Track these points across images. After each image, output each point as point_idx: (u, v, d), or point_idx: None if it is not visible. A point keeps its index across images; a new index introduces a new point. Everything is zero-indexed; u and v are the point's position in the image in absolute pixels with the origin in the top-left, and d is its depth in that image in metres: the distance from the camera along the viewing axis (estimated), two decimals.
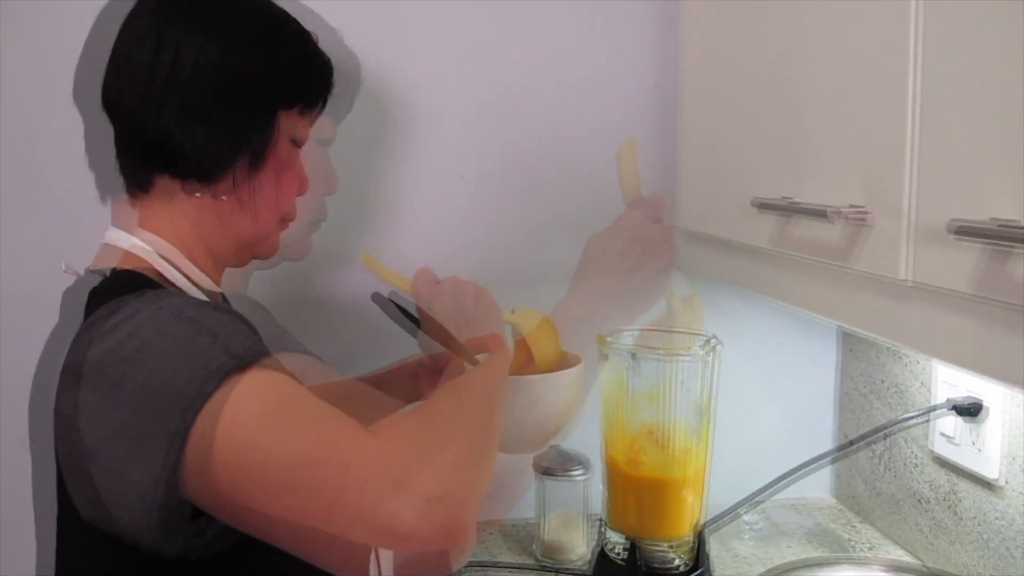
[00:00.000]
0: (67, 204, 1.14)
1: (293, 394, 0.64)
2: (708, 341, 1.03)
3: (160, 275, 0.76)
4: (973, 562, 1.06)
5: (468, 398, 0.75)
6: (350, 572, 0.60)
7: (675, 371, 1.01)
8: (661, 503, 1.04)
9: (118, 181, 0.79)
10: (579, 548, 1.21)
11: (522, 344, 1.02)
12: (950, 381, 1.09)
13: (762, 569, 1.13)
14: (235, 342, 0.64)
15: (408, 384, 1.07)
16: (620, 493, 1.06)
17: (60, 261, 0.83)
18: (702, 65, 1.13)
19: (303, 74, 0.83)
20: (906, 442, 1.19)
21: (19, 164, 1.17)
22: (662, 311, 1.20)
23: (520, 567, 1.18)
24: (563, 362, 1.03)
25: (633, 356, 1.03)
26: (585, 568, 1.17)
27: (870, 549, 1.22)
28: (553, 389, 0.97)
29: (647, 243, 1.16)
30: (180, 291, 0.77)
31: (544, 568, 1.18)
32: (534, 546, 1.23)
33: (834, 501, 1.39)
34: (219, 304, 0.72)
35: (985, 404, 1.04)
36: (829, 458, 1.27)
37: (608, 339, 1.05)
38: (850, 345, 1.33)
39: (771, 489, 1.19)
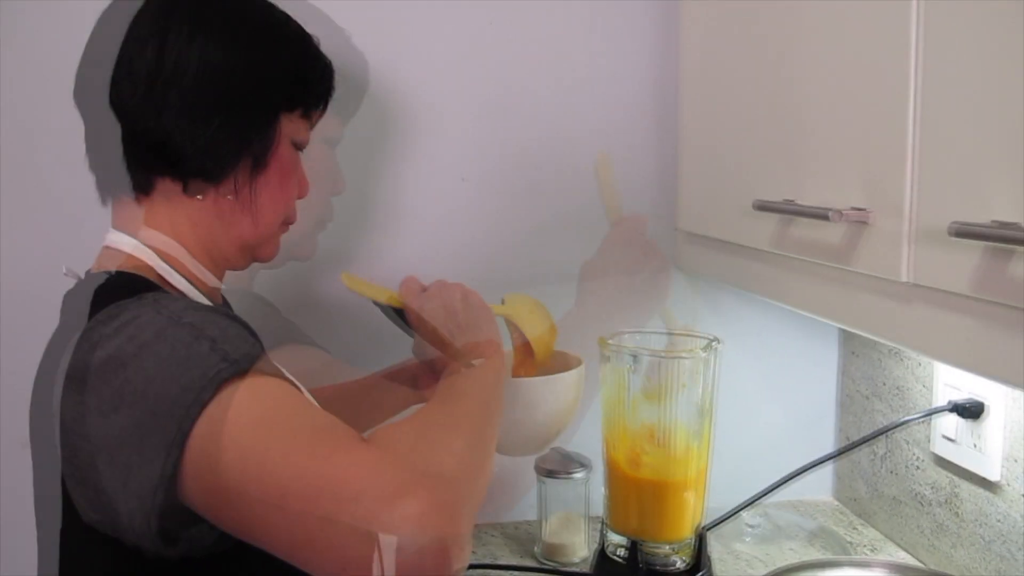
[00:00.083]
0: (67, 205, 1.14)
1: (289, 402, 0.64)
2: (709, 342, 1.03)
3: (161, 278, 0.76)
4: (974, 563, 1.06)
5: (463, 406, 0.75)
6: None
7: (676, 372, 1.01)
8: (662, 504, 1.04)
9: (118, 182, 0.79)
10: (580, 549, 1.21)
11: (517, 332, 1.02)
12: (951, 383, 1.09)
13: (763, 570, 1.13)
14: (233, 348, 0.64)
15: (409, 386, 1.07)
16: (621, 494, 1.06)
17: (60, 262, 0.83)
18: (702, 65, 1.13)
19: (304, 76, 0.83)
20: (907, 443, 1.19)
21: (19, 164, 1.17)
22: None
23: (521, 568, 1.18)
24: (564, 364, 1.03)
25: (634, 357, 1.03)
26: (586, 569, 1.17)
27: (871, 550, 1.21)
28: (554, 391, 0.97)
29: (636, 261, 1.18)
30: (180, 294, 0.76)
31: (545, 569, 1.18)
32: (535, 547, 1.23)
33: (835, 502, 1.39)
34: (219, 307, 0.72)
35: (986, 405, 1.04)
36: (830, 459, 1.27)
37: (609, 341, 1.05)
38: (851, 346, 1.33)
39: (772, 490, 1.19)
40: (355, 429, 0.65)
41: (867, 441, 1.22)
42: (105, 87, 0.75)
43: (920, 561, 1.16)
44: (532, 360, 1.04)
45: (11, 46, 1.14)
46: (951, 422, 1.08)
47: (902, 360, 1.20)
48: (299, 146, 0.85)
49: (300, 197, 0.88)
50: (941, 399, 1.10)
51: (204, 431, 0.61)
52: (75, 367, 0.65)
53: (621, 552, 1.07)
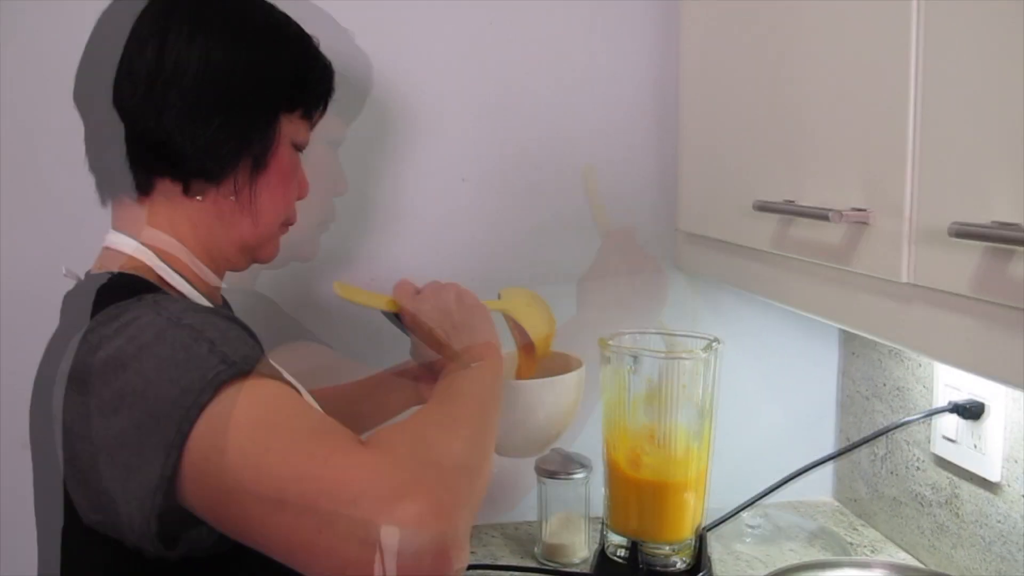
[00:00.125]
0: (67, 205, 1.14)
1: (288, 404, 0.64)
2: (709, 343, 1.02)
3: (160, 279, 0.76)
4: (975, 564, 1.06)
5: (461, 407, 0.75)
6: None
7: (676, 373, 1.01)
8: (662, 505, 1.04)
9: (118, 183, 0.79)
10: (580, 550, 1.20)
11: (516, 327, 1.02)
12: (952, 383, 1.08)
13: (763, 571, 1.13)
14: (232, 350, 0.64)
15: (410, 387, 1.07)
16: (621, 495, 1.06)
17: (60, 262, 0.83)
18: (702, 65, 1.13)
19: (304, 77, 0.83)
20: (907, 444, 1.19)
21: (19, 164, 1.17)
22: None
23: (521, 569, 1.18)
24: (564, 365, 1.03)
25: (634, 358, 1.03)
26: (586, 570, 1.17)
27: (872, 551, 1.21)
28: (554, 393, 0.97)
29: (630, 272, 1.20)
30: (180, 295, 0.76)
31: (545, 570, 1.18)
32: (535, 548, 1.23)
33: (835, 503, 1.39)
34: (218, 309, 0.72)
35: (986, 405, 1.04)
36: (830, 460, 1.27)
37: (609, 341, 1.05)
38: (851, 347, 1.33)
39: (772, 491, 1.19)
40: (356, 430, 0.65)
41: (867, 442, 1.22)
42: (104, 88, 0.75)
43: (920, 562, 1.16)
44: (533, 353, 1.04)
45: (11, 46, 1.14)
46: (951, 423, 1.08)
47: (902, 361, 1.20)
48: (299, 147, 0.85)
49: (300, 198, 0.87)
50: (941, 399, 1.10)
51: (203, 433, 0.60)
52: (75, 368, 0.65)
53: (621, 553, 1.07)
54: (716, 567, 1.13)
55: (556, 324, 1.05)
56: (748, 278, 1.01)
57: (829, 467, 1.39)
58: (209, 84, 0.75)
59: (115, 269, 0.75)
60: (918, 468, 1.17)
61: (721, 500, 1.18)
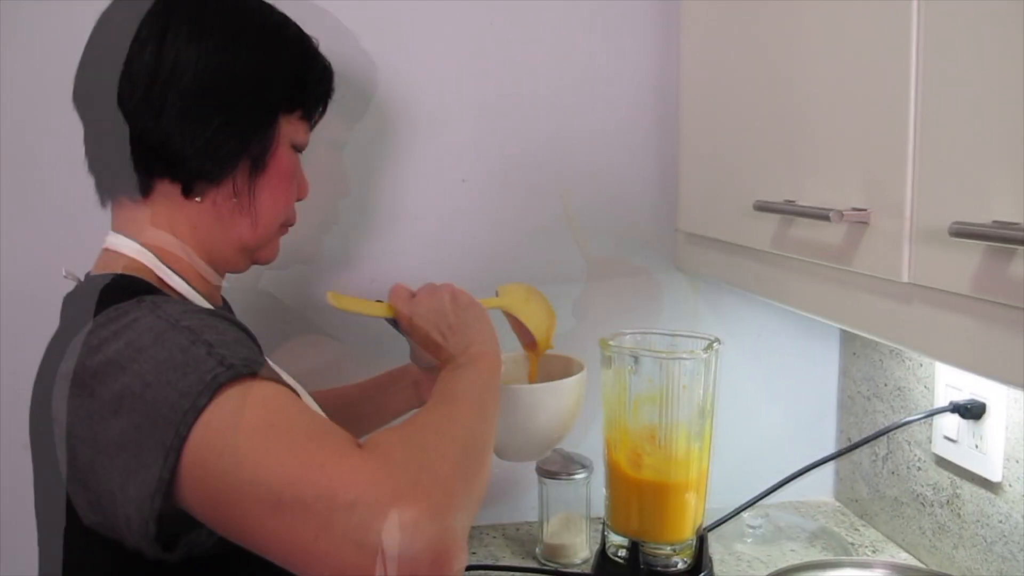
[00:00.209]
0: (67, 205, 1.14)
1: (286, 408, 0.64)
2: (710, 343, 1.02)
3: (160, 280, 0.76)
4: (976, 564, 1.06)
5: (458, 409, 0.75)
6: None
7: (676, 373, 1.01)
8: (663, 505, 1.04)
9: (118, 184, 0.79)
10: (581, 550, 1.20)
11: (516, 323, 1.02)
12: (952, 383, 1.08)
13: (764, 571, 1.13)
14: (230, 352, 0.64)
15: (410, 389, 1.07)
16: (622, 495, 1.06)
17: (60, 262, 0.83)
18: (702, 65, 1.13)
19: (303, 78, 0.83)
20: (908, 444, 1.19)
21: (19, 164, 1.17)
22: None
23: (522, 569, 1.18)
24: (565, 369, 1.03)
25: (635, 358, 1.02)
26: (587, 570, 1.17)
27: (872, 551, 1.21)
28: (555, 397, 0.97)
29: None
30: (179, 296, 0.76)
31: (546, 570, 1.18)
32: (536, 548, 1.23)
33: (836, 503, 1.39)
34: (218, 311, 0.72)
35: (987, 405, 1.03)
36: (831, 460, 1.27)
37: (610, 342, 1.05)
38: (852, 347, 1.33)
39: (773, 491, 1.19)
40: (356, 433, 0.65)
41: (868, 442, 1.22)
42: (104, 89, 0.75)
43: (921, 562, 1.16)
44: (536, 349, 1.04)
45: (11, 46, 1.14)
46: (952, 422, 1.08)
47: (903, 361, 1.20)
48: (299, 148, 0.85)
49: (300, 199, 0.88)
50: (942, 399, 1.10)
51: (201, 436, 0.60)
52: (75, 370, 0.65)
53: (622, 553, 1.07)
54: (717, 567, 1.13)
55: (556, 316, 1.05)
56: (748, 278, 1.01)
57: (830, 467, 1.39)
58: (208, 85, 0.75)
59: (116, 271, 0.75)
60: (919, 468, 1.17)
61: (721, 500, 1.18)
